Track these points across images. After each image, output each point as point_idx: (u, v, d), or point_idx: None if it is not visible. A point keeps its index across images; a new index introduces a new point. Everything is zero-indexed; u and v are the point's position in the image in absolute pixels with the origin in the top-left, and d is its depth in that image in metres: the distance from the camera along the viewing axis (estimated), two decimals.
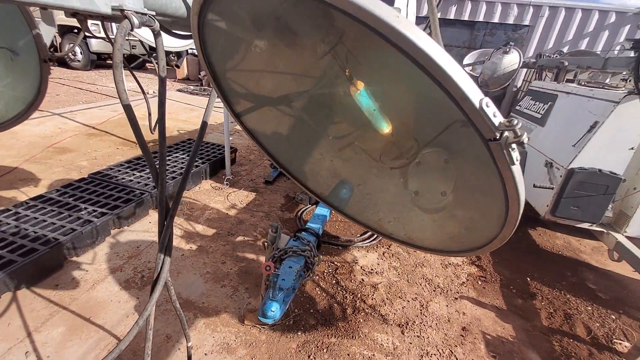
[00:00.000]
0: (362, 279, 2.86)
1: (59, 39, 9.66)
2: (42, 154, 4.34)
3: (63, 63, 10.35)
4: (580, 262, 3.57)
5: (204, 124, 1.20)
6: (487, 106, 0.54)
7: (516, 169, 0.60)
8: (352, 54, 0.71)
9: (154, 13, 1.06)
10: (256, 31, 0.81)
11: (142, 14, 1.03)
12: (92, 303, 2.30)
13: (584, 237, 4.04)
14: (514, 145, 0.56)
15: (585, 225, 3.17)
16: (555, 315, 2.73)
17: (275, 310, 1.64)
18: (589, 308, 2.86)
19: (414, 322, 2.49)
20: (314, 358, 2.13)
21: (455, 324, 2.52)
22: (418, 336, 2.38)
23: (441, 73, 0.52)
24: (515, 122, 0.55)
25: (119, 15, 0.99)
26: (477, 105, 0.54)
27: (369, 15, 0.50)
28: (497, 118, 0.56)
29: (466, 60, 8.11)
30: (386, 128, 0.83)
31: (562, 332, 2.56)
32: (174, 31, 1.43)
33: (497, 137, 0.57)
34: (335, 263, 3.02)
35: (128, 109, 0.99)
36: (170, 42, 3.11)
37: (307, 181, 1.31)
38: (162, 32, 1.37)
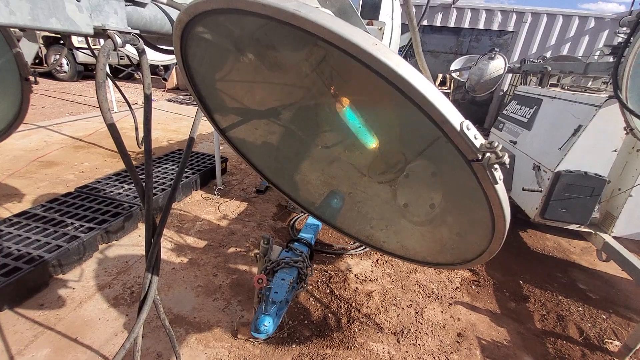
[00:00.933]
0: (357, 287, 2.85)
1: (44, 51, 9.54)
2: (27, 168, 4.24)
3: (49, 74, 10.20)
4: (570, 263, 3.62)
5: (191, 140, 1.19)
6: (468, 129, 0.55)
7: (500, 187, 0.61)
8: (336, 72, 0.72)
9: (137, 31, 1.05)
10: (239, 52, 0.81)
11: (126, 33, 1.02)
12: (79, 322, 2.24)
13: (573, 238, 4.10)
14: (496, 166, 0.57)
15: (574, 227, 3.22)
16: (548, 317, 2.75)
17: (268, 324, 1.61)
18: (581, 309, 2.89)
19: (410, 329, 2.48)
20: None
21: (450, 330, 2.52)
22: (414, 344, 2.37)
23: (421, 98, 0.53)
24: (496, 144, 0.55)
25: (102, 35, 0.98)
26: (458, 128, 0.55)
27: (348, 43, 0.51)
28: (478, 140, 0.57)
29: (453, 66, 8.25)
30: (372, 143, 0.84)
31: (555, 334, 2.58)
32: (159, 46, 1.43)
33: (479, 158, 0.58)
34: (329, 272, 3.00)
35: (112, 128, 0.98)
36: (157, 56, 3.10)
37: (296, 193, 1.30)
38: (148, 48, 1.36)
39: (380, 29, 1.25)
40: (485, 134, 9.60)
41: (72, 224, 2.94)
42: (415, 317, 2.60)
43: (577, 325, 2.68)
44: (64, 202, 3.25)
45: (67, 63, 9.94)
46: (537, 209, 3.26)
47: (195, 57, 0.93)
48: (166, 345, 2.13)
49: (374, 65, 0.52)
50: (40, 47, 9.18)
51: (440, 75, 10.09)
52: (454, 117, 0.54)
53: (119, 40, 0.98)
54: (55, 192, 3.72)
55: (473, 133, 0.56)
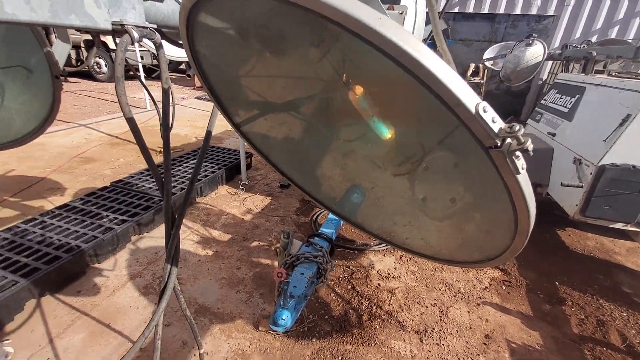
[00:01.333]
0: (379, 284, 2.80)
1: (85, 53, 10.13)
2: (69, 164, 4.54)
3: (89, 76, 10.83)
4: (614, 265, 3.34)
5: (208, 134, 1.20)
6: (485, 111, 0.49)
7: (522, 178, 0.55)
8: (348, 58, 0.68)
9: (155, 26, 1.07)
10: (245, 41, 0.79)
11: (143, 27, 1.03)
12: (112, 309, 2.36)
13: (618, 237, 3.78)
14: (517, 153, 0.51)
15: (619, 225, 2.97)
16: (587, 322, 2.56)
17: (286, 318, 1.61)
18: (624, 314, 2.66)
19: (433, 329, 2.40)
20: None
21: (477, 332, 2.41)
22: (437, 344, 2.29)
23: (430, 77, 0.48)
24: (517, 127, 0.49)
25: (120, 30, 1.00)
26: (473, 110, 0.49)
27: (349, 19, 0.47)
28: (497, 124, 0.51)
29: (486, 55, 7.84)
30: (388, 133, 0.79)
31: (594, 340, 2.39)
32: (180, 42, 1.45)
33: (498, 145, 0.52)
34: (351, 267, 2.97)
35: (131, 122, 1.00)
36: (182, 53, 3.17)
37: (314, 188, 1.27)
38: (169, 43, 1.38)
39: (401, 13, 1.18)
40: (522, 125, 9.06)
41: (107, 216, 3.11)
42: (440, 317, 2.51)
43: (619, 332, 2.47)
44: (101, 196, 3.45)
45: (105, 64, 10.51)
46: (577, 205, 3.03)
47: (202, 47, 0.92)
48: (191, 334, 2.19)
49: (377, 41, 0.47)
50: (81, 50, 9.77)
51: (472, 65, 9.63)
52: (469, 98, 0.49)
53: (135, 35, 0.99)
54: (94, 186, 3.95)
55: (490, 116, 0.50)
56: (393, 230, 1.39)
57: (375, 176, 1.02)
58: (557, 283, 2.98)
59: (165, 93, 1.06)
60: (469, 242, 0.86)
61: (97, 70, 10.48)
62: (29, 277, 2.28)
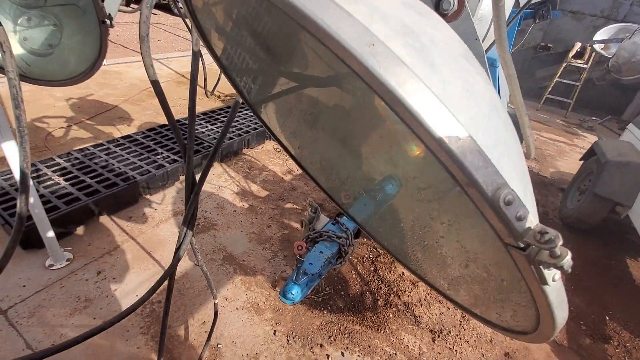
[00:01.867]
0: (403, 273, 2.72)
1: None
2: (138, 96, 4.89)
3: (168, 9, 11.20)
4: None
5: (236, 104, 1.14)
6: (507, 203, 0.33)
7: (551, 290, 0.39)
8: None
9: None
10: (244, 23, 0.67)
11: None
12: (154, 239, 2.62)
13: None
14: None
15: None
16: None
17: (295, 293, 1.63)
18: None
19: (450, 332, 2.31)
20: (334, 340, 2.14)
21: (497, 347, 2.27)
22: (450, 348, 2.21)
23: (420, 127, 0.32)
24: (552, 236, 0.33)
25: None
26: (490, 196, 0.34)
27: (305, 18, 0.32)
28: (523, 222, 0.35)
29: (598, 36, 6.52)
30: (416, 149, 0.65)
31: None
32: None
33: (522, 247, 0.37)
34: (378, 249, 2.91)
35: (156, 85, 0.97)
36: None
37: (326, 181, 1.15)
38: None
39: None
40: (621, 127, 7.61)
41: (161, 153, 3.34)
42: (460, 322, 2.39)
43: None
44: (159, 133, 3.70)
45: None
46: None
47: (200, 14, 0.81)
48: (215, 278, 2.37)
49: (326, 41, 0.32)
50: None
51: (578, 45, 8.10)
52: (487, 178, 0.32)
53: None
54: (156, 122, 4.25)
55: (515, 212, 0.34)
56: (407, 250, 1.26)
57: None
58: (607, 317, 2.64)
59: (195, 56, 1.00)
60: (484, 298, 0.73)
61: (176, 4, 10.76)
62: (91, 196, 2.59)
